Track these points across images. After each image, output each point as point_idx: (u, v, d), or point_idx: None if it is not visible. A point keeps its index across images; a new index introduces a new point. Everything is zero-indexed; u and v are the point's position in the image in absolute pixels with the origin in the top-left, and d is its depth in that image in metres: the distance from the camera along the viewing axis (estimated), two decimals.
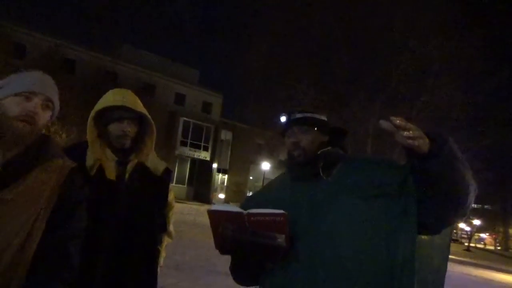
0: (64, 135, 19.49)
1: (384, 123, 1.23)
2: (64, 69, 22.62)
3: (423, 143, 1.20)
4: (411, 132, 1.19)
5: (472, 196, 1.31)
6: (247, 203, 1.60)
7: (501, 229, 54.41)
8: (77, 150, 1.79)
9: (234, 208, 1.33)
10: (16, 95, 1.42)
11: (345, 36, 17.57)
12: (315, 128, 1.51)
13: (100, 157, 1.78)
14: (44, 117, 1.46)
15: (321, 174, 1.43)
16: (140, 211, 1.80)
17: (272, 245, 1.27)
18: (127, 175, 1.81)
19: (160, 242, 2.01)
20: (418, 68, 17.07)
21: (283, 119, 1.56)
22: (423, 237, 1.54)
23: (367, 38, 17.14)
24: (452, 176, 1.23)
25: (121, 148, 1.80)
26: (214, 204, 1.40)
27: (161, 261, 2.04)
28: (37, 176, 1.36)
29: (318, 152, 1.47)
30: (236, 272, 1.58)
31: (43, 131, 1.51)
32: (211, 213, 1.33)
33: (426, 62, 17.00)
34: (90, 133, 1.80)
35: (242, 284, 1.65)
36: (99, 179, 1.75)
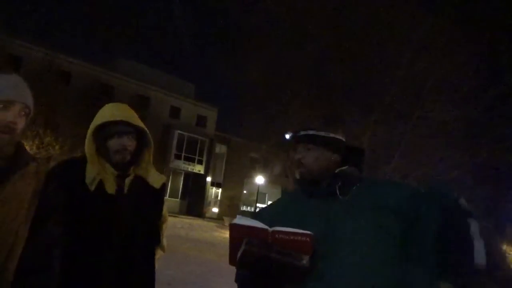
0: (57, 147, 19.39)
1: None
2: (60, 81, 22.63)
3: None
4: None
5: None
6: (259, 217, 1.53)
7: None
8: (77, 165, 1.79)
9: (258, 223, 1.29)
10: None
11: (340, 51, 17.74)
12: (322, 146, 1.47)
13: (99, 171, 1.78)
14: (22, 124, 1.43)
15: (338, 193, 1.40)
16: (140, 224, 1.81)
17: (296, 265, 1.23)
18: (126, 189, 1.81)
19: (154, 255, 2.02)
20: (413, 84, 17.24)
21: (287, 136, 1.57)
22: None
23: (361, 54, 17.32)
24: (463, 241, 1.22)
25: (121, 162, 1.80)
26: (237, 217, 1.34)
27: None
28: (16, 183, 1.34)
29: (336, 171, 1.44)
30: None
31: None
32: (234, 227, 1.30)
33: (421, 78, 17.17)
34: (89, 148, 1.79)
35: None
36: (99, 193, 1.74)
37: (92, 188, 1.73)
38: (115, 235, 1.73)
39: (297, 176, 1.49)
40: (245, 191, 35.45)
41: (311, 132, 1.49)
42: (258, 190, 30.72)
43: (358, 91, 18.24)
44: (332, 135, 1.50)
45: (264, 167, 29.56)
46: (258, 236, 1.26)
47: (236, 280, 1.52)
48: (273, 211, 1.60)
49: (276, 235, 1.25)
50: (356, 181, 1.45)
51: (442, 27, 15.87)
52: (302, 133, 1.50)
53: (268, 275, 1.32)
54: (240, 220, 1.31)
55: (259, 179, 29.98)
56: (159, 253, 2.05)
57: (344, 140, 1.55)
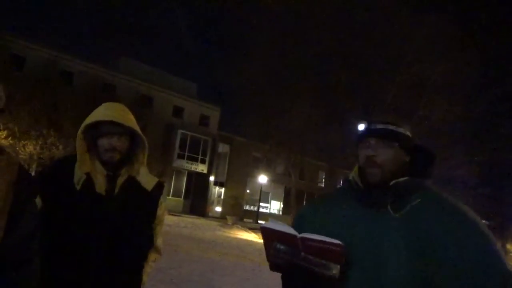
0: (60, 147, 19.45)
1: None
2: (62, 81, 22.68)
3: None
4: None
5: None
6: (301, 222, 1.43)
7: (499, 244, 54.18)
8: (66, 164, 1.79)
9: (287, 228, 1.27)
10: None
11: (342, 50, 17.74)
12: (397, 144, 1.27)
13: (89, 170, 1.77)
14: None
15: (389, 208, 1.23)
16: (130, 225, 1.79)
17: (324, 275, 1.20)
18: (117, 189, 1.80)
19: (145, 258, 1.97)
20: (415, 83, 17.22)
21: (361, 127, 1.34)
22: None
23: (363, 53, 17.32)
24: None
25: (110, 161, 1.79)
26: (270, 220, 1.32)
27: (145, 278, 1.98)
28: None
29: (390, 184, 1.25)
30: None
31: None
32: (264, 229, 1.32)
33: (423, 77, 17.15)
34: (79, 147, 1.79)
35: None
36: (87, 192, 1.74)
37: (79, 186, 1.72)
38: (102, 235, 1.71)
39: (369, 178, 1.29)
40: (248, 190, 35.46)
41: (391, 127, 1.29)
42: (261, 189, 30.73)
43: (360, 90, 18.24)
44: (407, 132, 1.31)
45: (267, 166, 29.60)
46: (287, 241, 1.25)
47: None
48: (317, 215, 1.42)
49: (306, 242, 1.22)
50: (414, 196, 1.24)
51: (444, 27, 15.85)
52: (380, 126, 1.30)
53: (296, 281, 1.28)
54: (270, 224, 1.30)
55: (262, 178, 29.99)
56: (153, 256, 2.01)
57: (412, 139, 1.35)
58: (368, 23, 16.91)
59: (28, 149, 18.92)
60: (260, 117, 21.20)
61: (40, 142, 19.22)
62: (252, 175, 33.19)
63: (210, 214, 31.83)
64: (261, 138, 24.16)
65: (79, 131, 1.79)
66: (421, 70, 16.83)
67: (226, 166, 34.42)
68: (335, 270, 1.19)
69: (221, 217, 30.78)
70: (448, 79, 16.69)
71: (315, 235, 1.21)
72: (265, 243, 1.33)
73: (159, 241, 2.01)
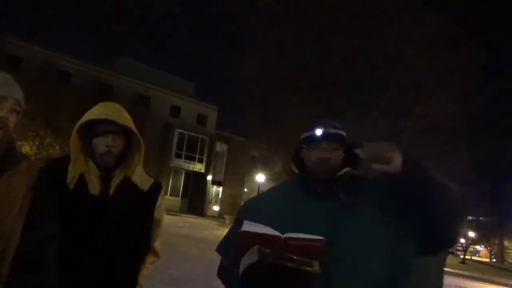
0: (57, 147, 19.40)
1: (360, 153, 1.31)
2: (60, 81, 22.63)
3: (393, 168, 1.25)
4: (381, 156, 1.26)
5: (456, 218, 1.33)
6: (245, 215, 1.48)
7: (496, 241, 54.36)
8: (60, 164, 1.76)
9: (269, 230, 1.27)
10: None
11: (340, 48, 17.73)
12: (343, 145, 1.47)
13: (83, 171, 1.74)
14: (13, 121, 1.38)
15: (343, 195, 1.41)
16: (125, 227, 1.75)
17: (308, 272, 1.21)
18: (111, 190, 1.76)
19: (142, 260, 1.94)
20: (413, 80, 17.22)
21: (318, 132, 1.47)
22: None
23: (361, 50, 17.31)
24: (424, 197, 1.27)
25: (106, 166, 1.75)
26: (245, 223, 1.30)
27: (141, 281, 1.95)
28: (8, 181, 1.32)
29: (340, 173, 1.44)
30: None
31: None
32: (244, 234, 1.26)
33: (421, 74, 17.16)
34: (74, 147, 1.76)
35: None
36: (81, 193, 1.71)
37: (71, 187, 1.70)
38: (97, 237, 1.68)
39: (321, 175, 1.45)
40: (246, 189, 35.47)
41: (340, 131, 1.47)
42: (259, 188, 30.73)
43: (358, 88, 18.23)
44: (344, 134, 1.50)
45: (265, 165, 29.56)
46: (270, 243, 1.23)
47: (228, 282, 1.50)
48: (269, 210, 1.50)
49: (289, 242, 1.24)
50: (356, 183, 1.45)
51: (443, 24, 15.86)
52: (332, 131, 1.46)
53: (277, 283, 1.29)
54: (250, 227, 1.27)
55: (260, 177, 30.00)
56: (151, 258, 1.98)
57: None
58: (367, 20, 16.90)
59: (25, 150, 18.82)
60: (258, 115, 21.19)
61: (37, 143, 19.16)
62: (250, 174, 33.19)
63: (208, 213, 31.83)
64: (258, 136, 24.13)
65: (74, 130, 1.76)
66: (420, 66, 16.83)
67: (224, 165, 34.44)
68: (317, 266, 1.22)
69: (219, 216, 30.80)
70: (447, 76, 16.70)
71: (298, 234, 1.25)
72: (242, 248, 1.27)
73: (157, 244, 1.97)
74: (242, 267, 1.26)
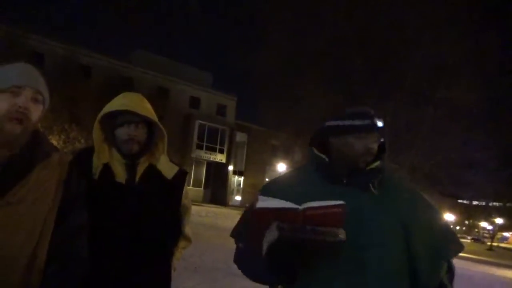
0: (83, 141, 19.79)
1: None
2: (81, 76, 22.99)
3: None
4: None
5: None
6: (267, 193, 1.39)
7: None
8: (85, 155, 1.79)
9: (286, 203, 1.17)
10: (1, 92, 1.28)
11: (358, 34, 17.44)
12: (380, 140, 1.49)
13: (108, 160, 1.77)
14: (36, 111, 1.34)
15: (372, 187, 1.43)
16: (151, 214, 1.77)
17: (333, 242, 1.16)
18: (137, 178, 1.79)
19: (175, 245, 1.99)
20: (433, 65, 16.83)
21: (379, 123, 1.46)
22: None
23: (380, 36, 16.98)
24: None
25: (128, 153, 1.78)
26: (259, 198, 1.19)
27: (175, 263, 2.01)
28: (39, 174, 1.31)
29: (372, 166, 1.45)
30: (265, 275, 1.32)
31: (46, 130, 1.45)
32: (259, 211, 1.16)
33: (441, 58, 16.75)
34: (97, 137, 1.79)
35: (263, 283, 1.45)
36: (107, 182, 1.74)
37: (96, 176, 1.73)
38: (124, 224, 1.71)
39: (361, 165, 1.44)
40: (267, 179, 35.53)
41: (380, 123, 1.47)
42: None
43: (377, 75, 17.93)
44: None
45: (285, 154, 29.49)
46: (288, 217, 1.14)
47: (246, 268, 1.44)
48: (294, 191, 1.39)
49: (308, 212, 1.15)
50: (383, 176, 1.46)
51: (462, 6, 15.39)
52: (379, 123, 1.46)
53: (304, 258, 1.25)
54: (265, 203, 1.17)
55: (281, 166, 29.98)
56: (183, 243, 2.03)
57: None
58: (384, 5, 16.55)
59: None
60: (277, 104, 21.11)
61: (63, 137, 19.57)
62: (271, 163, 33.20)
63: (230, 203, 32.07)
64: (278, 126, 24.07)
65: (96, 121, 1.79)
66: (440, 51, 16.42)
67: (244, 155, 34.52)
68: (342, 234, 1.16)
69: (241, 206, 30.98)
70: (468, 61, 16.25)
71: (317, 202, 1.17)
72: (258, 226, 1.17)
73: (188, 229, 2.02)
74: (264, 248, 1.17)
